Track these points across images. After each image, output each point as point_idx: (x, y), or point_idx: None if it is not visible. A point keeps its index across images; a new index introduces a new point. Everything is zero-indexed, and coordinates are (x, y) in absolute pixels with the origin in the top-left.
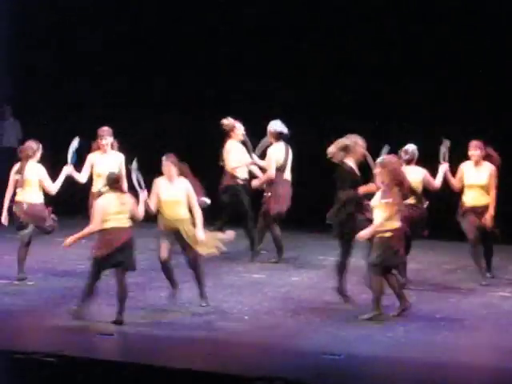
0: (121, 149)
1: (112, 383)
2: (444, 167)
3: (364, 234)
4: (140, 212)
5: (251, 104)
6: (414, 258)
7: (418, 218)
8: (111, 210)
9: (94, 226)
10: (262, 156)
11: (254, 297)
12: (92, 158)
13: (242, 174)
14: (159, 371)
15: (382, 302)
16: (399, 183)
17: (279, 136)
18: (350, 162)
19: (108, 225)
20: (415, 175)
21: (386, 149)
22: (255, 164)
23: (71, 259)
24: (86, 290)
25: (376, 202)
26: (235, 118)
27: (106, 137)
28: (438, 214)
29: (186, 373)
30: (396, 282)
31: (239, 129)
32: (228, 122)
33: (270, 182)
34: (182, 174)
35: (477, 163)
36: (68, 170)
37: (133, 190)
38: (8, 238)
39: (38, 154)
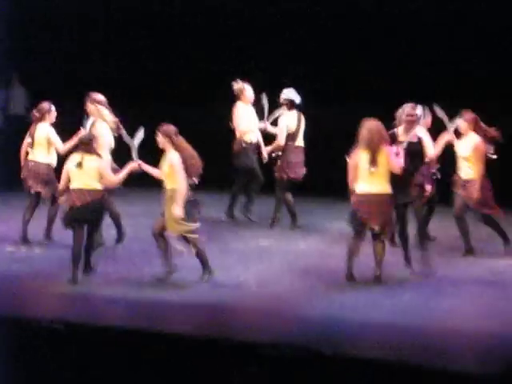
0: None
1: (118, 350)
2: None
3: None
4: (111, 178)
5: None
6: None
7: None
8: (73, 171)
9: (60, 185)
10: (274, 124)
11: (261, 263)
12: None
13: (251, 138)
14: (165, 337)
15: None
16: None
17: (292, 104)
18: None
19: (72, 185)
20: None
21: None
22: (265, 130)
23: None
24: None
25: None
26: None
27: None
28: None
29: (192, 339)
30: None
31: (249, 91)
32: (237, 84)
33: (282, 150)
34: (175, 146)
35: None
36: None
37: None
38: (15, 204)
39: (51, 116)
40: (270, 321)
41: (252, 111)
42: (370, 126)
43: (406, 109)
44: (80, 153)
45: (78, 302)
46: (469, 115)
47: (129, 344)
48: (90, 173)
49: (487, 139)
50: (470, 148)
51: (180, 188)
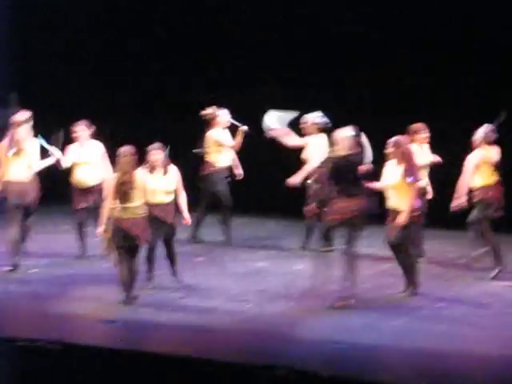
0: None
1: (114, 371)
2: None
3: (402, 219)
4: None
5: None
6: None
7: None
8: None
9: None
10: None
11: (258, 285)
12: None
13: (223, 163)
14: (160, 359)
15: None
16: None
17: (322, 128)
18: None
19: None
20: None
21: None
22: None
23: (75, 247)
24: None
25: (395, 181)
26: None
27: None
28: (442, 202)
29: (188, 361)
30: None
31: (222, 116)
32: (207, 111)
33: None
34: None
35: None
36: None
37: None
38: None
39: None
40: (266, 342)
41: (227, 134)
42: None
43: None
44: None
45: (74, 323)
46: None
47: (125, 365)
48: None
49: None
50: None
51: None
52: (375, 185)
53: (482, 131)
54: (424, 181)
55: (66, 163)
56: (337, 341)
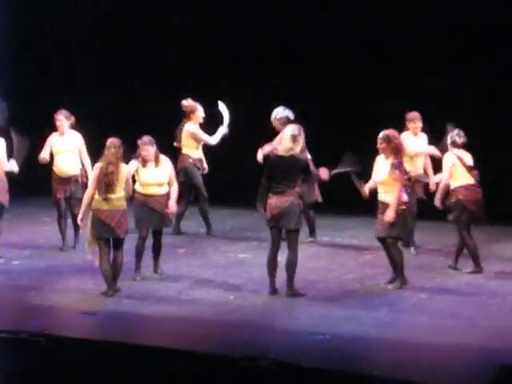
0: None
1: (97, 363)
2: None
3: (391, 214)
4: None
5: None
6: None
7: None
8: None
9: None
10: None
11: (240, 276)
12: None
13: (195, 155)
14: (143, 351)
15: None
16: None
17: (288, 121)
18: None
19: None
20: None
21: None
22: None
23: (57, 238)
24: None
25: (383, 177)
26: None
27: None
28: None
29: (170, 352)
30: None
31: (200, 111)
32: (188, 103)
33: None
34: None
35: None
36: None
37: None
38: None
39: None
40: (248, 333)
41: (200, 130)
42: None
43: None
44: None
45: (56, 315)
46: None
47: (107, 357)
48: None
49: None
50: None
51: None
52: (367, 184)
53: (450, 136)
54: (418, 169)
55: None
56: (319, 332)
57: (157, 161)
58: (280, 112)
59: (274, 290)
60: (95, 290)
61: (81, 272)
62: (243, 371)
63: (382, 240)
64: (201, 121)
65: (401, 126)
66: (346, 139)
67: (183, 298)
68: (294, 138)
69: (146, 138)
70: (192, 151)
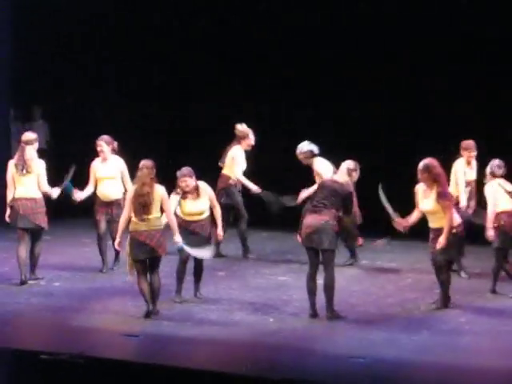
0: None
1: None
2: None
3: (443, 241)
4: None
5: None
6: None
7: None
8: None
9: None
10: None
11: (280, 299)
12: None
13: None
14: (182, 373)
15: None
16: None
17: (312, 155)
18: None
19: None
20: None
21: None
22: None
23: (97, 260)
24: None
25: (431, 207)
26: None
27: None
28: None
29: (210, 375)
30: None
31: (251, 139)
32: (242, 128)
33: None
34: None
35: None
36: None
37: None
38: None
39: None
40: (288, 356)
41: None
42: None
43: None
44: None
45: (97, 336)
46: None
47: (146, 379)
48: None
49: None
50: None
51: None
52: (412, 215)
53: (489, 166)
54: (463, 197)
55: (79, 197)
56: (358, 355)
57: (197, 192)
58: (304, 146)
59: (314, 312)
60: (135, 312)
61: (121, 294)
62: None
63: (437, 266)
64: (249, 148)
65: (452, 153)
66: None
67: (223, 321)
68: (349, 172)
69: (186, 170)
70: (232, 172)
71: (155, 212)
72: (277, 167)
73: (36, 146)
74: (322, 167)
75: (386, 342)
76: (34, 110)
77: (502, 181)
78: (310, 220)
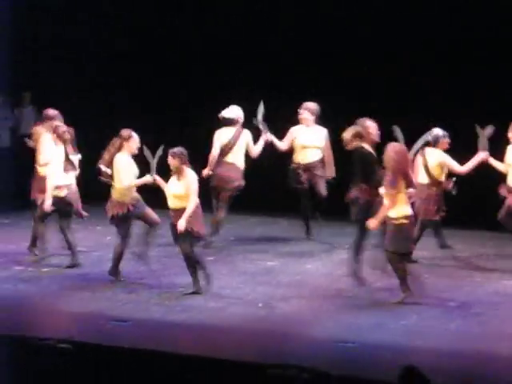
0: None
1: (125, 370)
2: (481, 155)
3: (372, 223)
4: None
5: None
6: (427, 246)
7: (428, 199)
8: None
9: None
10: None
11: (269, 284)
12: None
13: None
14: (172, 358)
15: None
16: (403, 173)
17: (223, 121)
18: (367, 147)
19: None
20: (431, 158)
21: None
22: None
23: (86, 246)
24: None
25: (383, 191)
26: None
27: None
28: (451, 201)
29: (199, 360)
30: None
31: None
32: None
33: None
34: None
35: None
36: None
37: None
38: (24, 225)
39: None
40: (277, 341)
41: None
42: (400, 150)
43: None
44: None
45: (85, 322)
46: None
47: (136, 364)
48: None
49: None
50: None
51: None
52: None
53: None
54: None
55: None
56: (346, 340)
57: (178, 174)
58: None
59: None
60: (124, 298)
61: (110, 279)
62: (271, 379)
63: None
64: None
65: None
66: None
67: (211, 306)
68: None
69: (174, 149)
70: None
71: None
72: None
73: None
74: None
75: (375, 327)
76: (23, 96)
77: None
78: None
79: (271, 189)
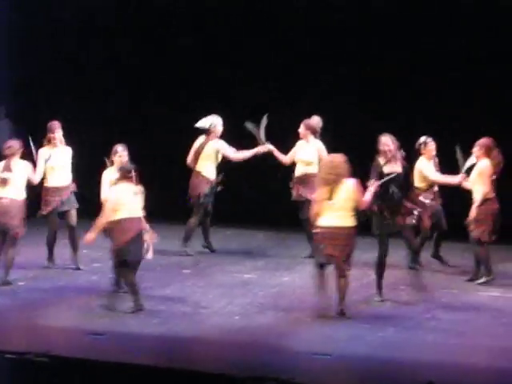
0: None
1: (103, 383)
2: (457, 179)
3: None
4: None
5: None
6: (404, 259)
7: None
8: (125, 200)
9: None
10: None
11: (245, 296)
12: (43, 152)
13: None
14: (148, 371)
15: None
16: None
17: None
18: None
19: (120, 215)
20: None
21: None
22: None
23: (61, 259)
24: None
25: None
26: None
27: (58, 130)
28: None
29: (175, 372)
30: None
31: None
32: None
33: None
34: None
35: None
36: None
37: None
38: None
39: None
40: (254, 353)
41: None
42: (327, 161)
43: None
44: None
45: (62, 335)
46: (483, 140)
47: (113, 377)
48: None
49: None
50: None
51: None
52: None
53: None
54: None
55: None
56: (323, 352)
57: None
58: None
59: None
60: (100, 311)
61: (86, 292)
62: None
63: None
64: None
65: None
66: None
67: (188, 319)
68: None
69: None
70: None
71: None
72: None
73: None
74: None
75: (352, 339)
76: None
77: None
78: None
79: (248, 202)
